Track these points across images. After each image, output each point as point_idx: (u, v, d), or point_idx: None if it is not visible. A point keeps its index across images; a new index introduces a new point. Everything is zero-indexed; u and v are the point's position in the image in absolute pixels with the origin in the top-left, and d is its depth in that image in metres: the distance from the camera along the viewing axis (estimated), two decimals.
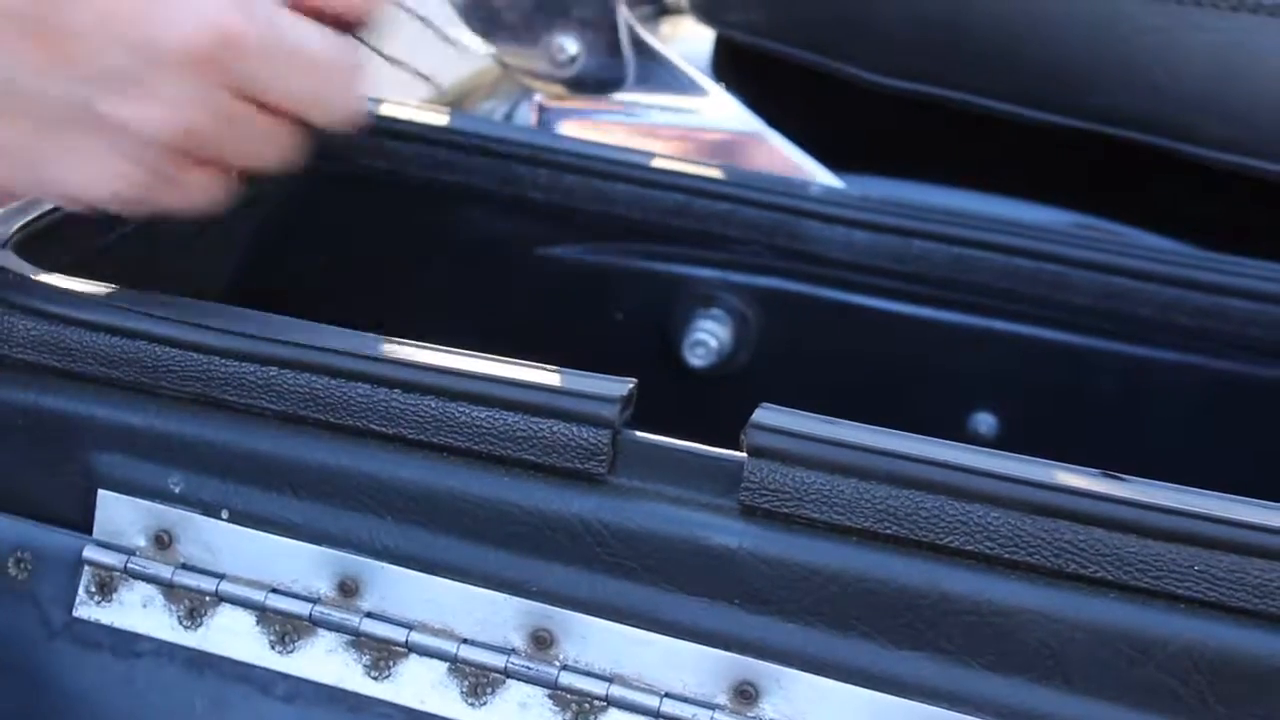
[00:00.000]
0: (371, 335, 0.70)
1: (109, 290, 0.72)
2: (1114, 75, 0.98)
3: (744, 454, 0.65)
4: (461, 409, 0.67)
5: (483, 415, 0.67)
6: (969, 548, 0.63)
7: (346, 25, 0.78)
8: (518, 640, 0.67)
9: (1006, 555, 0.62)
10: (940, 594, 0.63)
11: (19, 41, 0.68)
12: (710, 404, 0.98)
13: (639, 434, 0.67)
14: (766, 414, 0.65)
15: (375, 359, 0.68)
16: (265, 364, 0.69)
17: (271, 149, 0.75)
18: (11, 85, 0.70)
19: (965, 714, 0.63)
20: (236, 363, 0.69)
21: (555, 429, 0.66)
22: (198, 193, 0.75)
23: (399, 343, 0.70)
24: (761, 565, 0.65)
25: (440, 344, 0.70)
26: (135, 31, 0.69)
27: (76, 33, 0.68)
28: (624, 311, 0.99)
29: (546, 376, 0.67)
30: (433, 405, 0.67)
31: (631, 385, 0.67)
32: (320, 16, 0.75)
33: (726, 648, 0.65)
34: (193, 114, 0.71)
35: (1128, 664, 0.62)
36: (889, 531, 0.63)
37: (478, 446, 0.67)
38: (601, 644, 0.66)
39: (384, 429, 0.68)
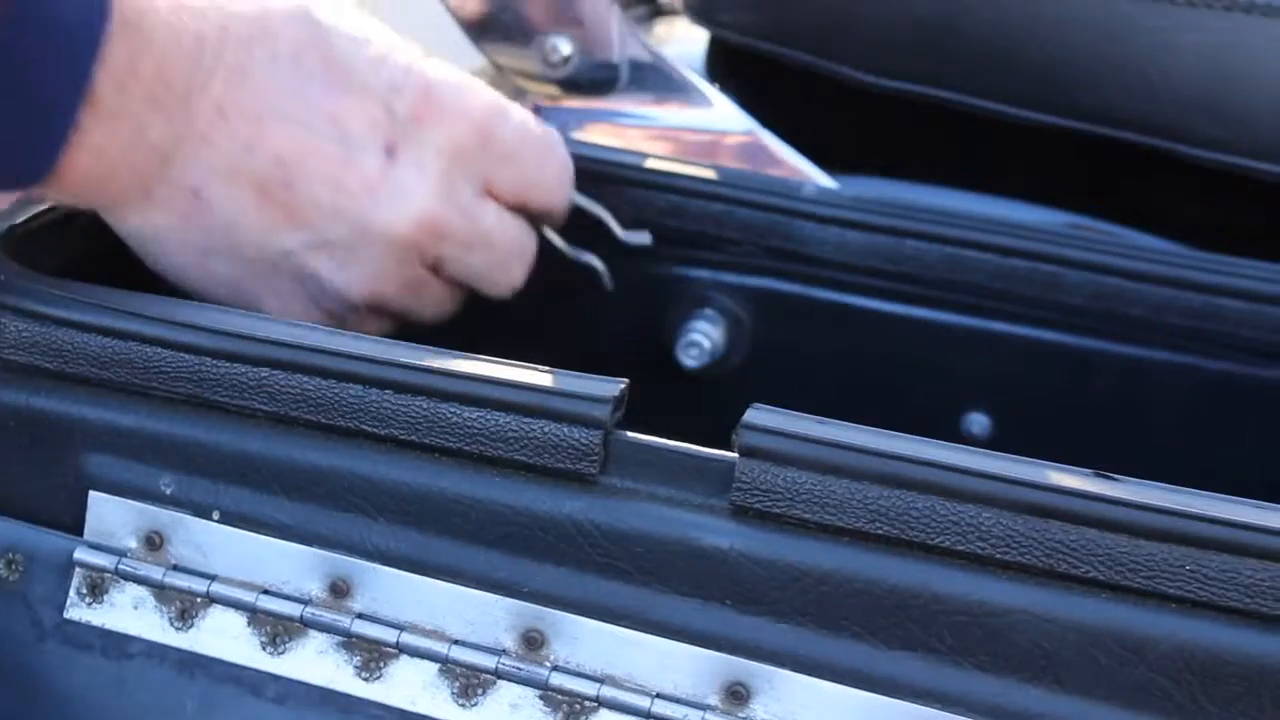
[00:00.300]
0: (362, 336, 0.70)
1: (100, 292, 0.72)
2: (1108, 76, 0.98)
3: (735, 454, 0.65)
4: (453, 410, 0.67)
5: (474, 416, 0.67)
6: (960, 548, 0.63)
7: (536, 218, 0.91)
8: (509, 641, 0.67)
9: (998, 555, 0.62)
10: (932, 594, 0.63)
11: (256, 199, 0.79)
12: (704, 404, 0.98)
13: (630, 434, 0.67)
14: (758, 414, 0.65)
15: (366, 360, 0.68)
16: (257, 365, 0.69)
17: (438, 308, 0.88)
18: (241, 233, 0.80)
19: (957, 714, 0.63)
20: (228, 364, 0.69)
21: (547, 429, 0.66)
22: (366, 331, 0.86)
23: (390, 344, 0.70)
24: (753, 566, 0.65)
25: (432, 345, 0.70)
26: (358, 211, 0.81)
27: (308, 203, 0.80)
28: (618, 312, 0.99)
29: (538, 377, 0.67)
30: (424, 406, 0.67)
31: (623, 386, 0.67)
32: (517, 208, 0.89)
33: (718, 648, 0.65)
34: (385, 283, 0.83)
35: (1120, 664, 0.62)
36: (880, 532, 0.63)
37: (469, 447, 0.67)
38: (593, 645, 0.66)
39: (375, 430, 0.68)
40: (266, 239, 0.80)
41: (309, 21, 0.80)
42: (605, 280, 0.96)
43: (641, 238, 0.95)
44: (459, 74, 0.85)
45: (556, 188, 0.91)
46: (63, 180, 0.74)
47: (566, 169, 0.91)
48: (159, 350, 0.70)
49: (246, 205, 0.79)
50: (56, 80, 0.70)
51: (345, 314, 0.85)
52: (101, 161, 0.74)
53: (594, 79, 1.02)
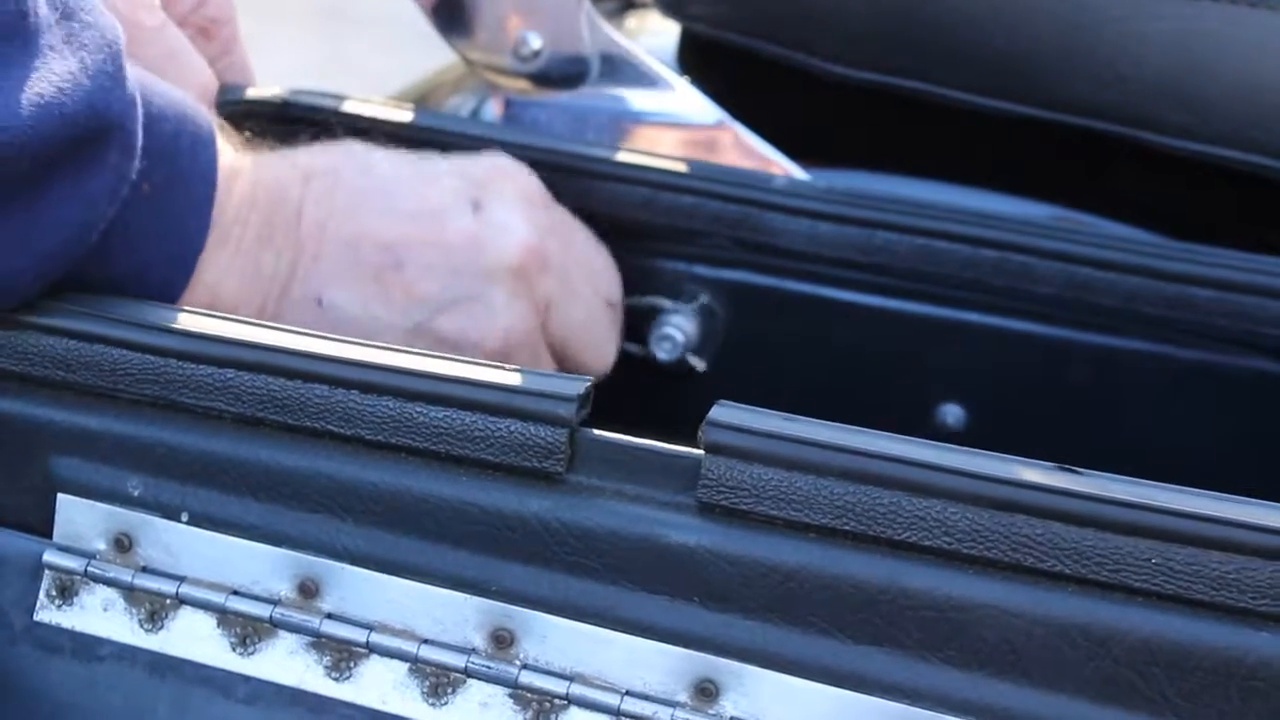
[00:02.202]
0: (328, 336, 0.70)
1: (65, 295, 0.72)
2: (1076, 65, 0.98)
3: (701, 451, 0.65)
4: (419, 409, 0.67)
5: (440, 415, 0.67)
6: (927, 543, 0.63)
7: None
8: (478, 640, 0.67)
9: (964, 550, 0.62)
10: (899, 589, 0.63)
11: (375, 287, 0.84)
12: (678, 397, 0.98)
13: (596, 432, 0.67)
14: (723, 411, 0.65)
15: (332, 360, 0.68)
16: (222, 366, 0.69)
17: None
18: (371, 323, 0.84)
19: (924, 709, 0.63)
20: (194, 365, 0.69)
21: (512, 428, 0.66)
22: None
23: (356, 344, 0.69)
24: (720, 562, 0.65)
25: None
26: (469, 261, 0.86)
27: (422, 273, 0.85)
28: None
29: (503, 376, 0.67)
30: (390, 406, 0.67)
31: (588, 384, 0.67)
32: None
33: (686, 645, 0.65)
34: (514, 320, 0.87)
35: (1086, 658, 0.62)
36: (846, 527, 0.63)
37: (436, 447, 0.67)
38: (562, 643, 0.66)
39: (342, 430, 0.68)
40: (395, 320, 0.85)
41: (366, 148, 0.89)
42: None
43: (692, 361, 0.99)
44: (506, 157, 0.93)
45: (611, 275, 0.96)
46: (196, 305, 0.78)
47: (614, 265, 0.96)
48: (125, 353, 0.70)
49: (367, 296, 0.84)
50: (187, 222, 0.77)
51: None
52: (220, 290, 0.80)
53: (564, 73, 1.02)
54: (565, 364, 0.92)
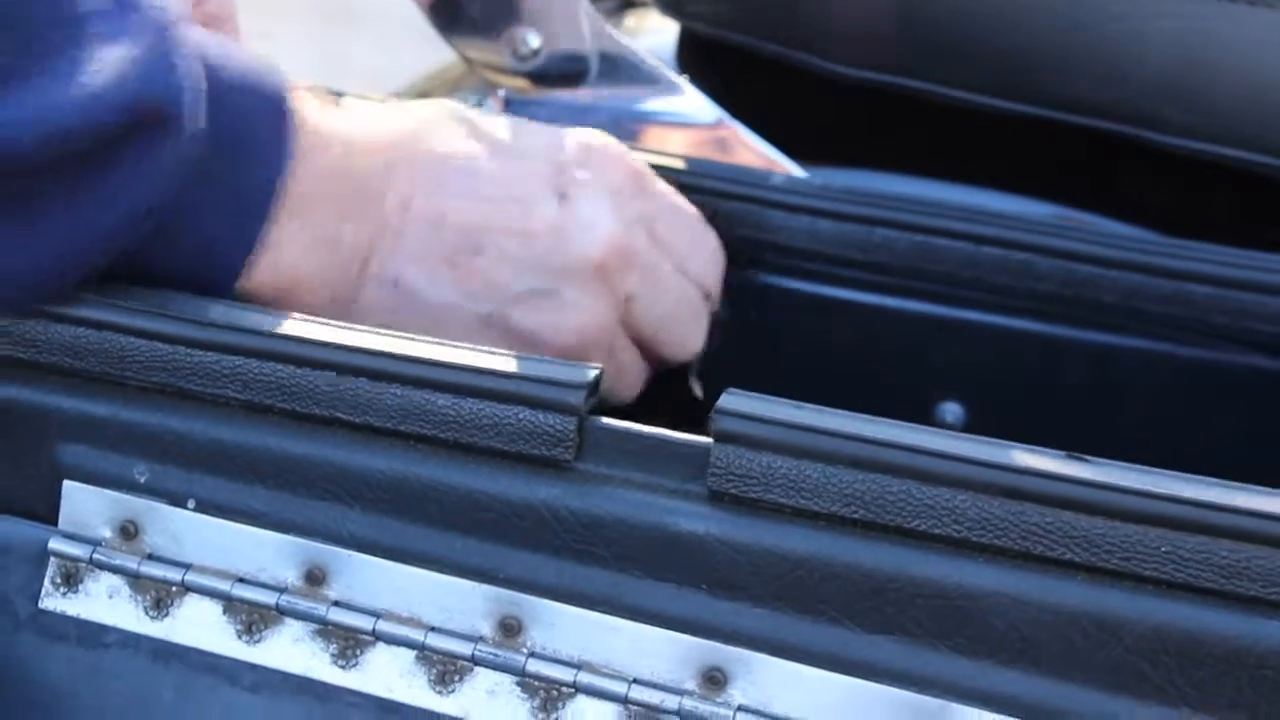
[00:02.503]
0: (336, 324, 0.70)
1: None
2: (1077, 64, 0.98)
3: (710, 439, 0.65)
4: (427, 397, 0.67)
5: (448, 403, 0.67)
6: (936, 531, 0.63)
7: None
8: (485, 628, 0.67)
9: (974, 539, 0.62)
10: (908, 578, 0.63)
11: (451, 272, 0.83)
12: (677, 394, 0.98)
13: (605, 420, 0.67)
14: (732, 399, 0.65)
15: (341, 348, 0.68)
16: (230, 353, 0.69)
17: (628, 381, 0.91)
18: (447, 311, 0.83)
19: (934, 697, 0.63)
20: (202, 352, 0.69)
21: (521, 416, 0.66)
22: None
23: (364, 331, 0.69)
24: (729, 550, 0.65)
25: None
26: (550, 253, 0.85)
27: (501, 261, 0.84)
28: None
29: (512, 363, 0.67)
30: (398, 393, 0.67)
31: (597, 371, 0.67)
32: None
33: (694, 633, 0.65)
34: (590, 319, 0.86)
35: (1096, 646, 0.62)
36: (856, 516, 0.63)
37: (444, 434, 0.67)
38: (569, 631, 0.66)
39: (350, 418, 0.68)
40: (468, 307, 0.84)
41: (457, 116, 0.87)
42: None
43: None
44: (602, 134, 0.91)
45: (711, 259, 0.94)
46: (263, 282, 0.77)
47: (719, 247, 0.95)
48: (132, 339, 0.70)
49: (443, 281, 0.83)
50: (255, 196, 0.76)
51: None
52: (297, 269, 0.78)
53: (563, 71, 1.02)
54: (647, 353, 0.91)
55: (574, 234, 0.85)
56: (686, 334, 0.92)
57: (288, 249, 0.77)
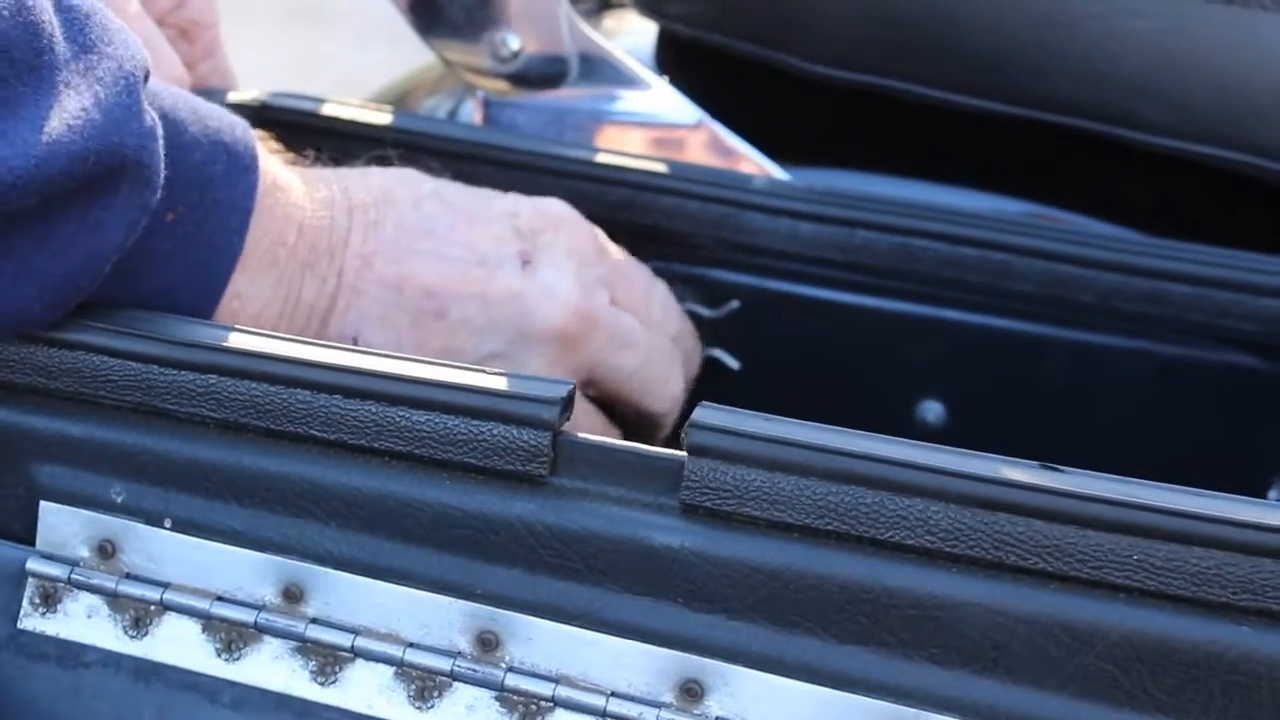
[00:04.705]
0: (310, 341, 0.70)
1: None
2: (1053, 62, 0.98)
3: (684, 453, 0.65)
4: (402, 413, 0.67)
5: (423, 419, 0.67)
6: (910, 542, 0.63)
7: None
8: (463, 643, 0.67)
9: (947, 549, 0.63)
10: (882, 589, 0.64)
11: (412, 333, 0.83)
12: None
13: (579, 435, 0.67)
14: (705, 413, 0.65)
15: (315, 365, 0.68)
16: (205, 372, 0.69)
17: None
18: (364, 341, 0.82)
19: (909, 707, 0.63)
20: (176, 371, 0.69)
21: (496, 432, 0.66)
22: None
23: (338, 348, 0.70)
24: (704, 564, 0.65)
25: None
26: (512, 318, 0.85)
27: (462, 324, 0.84)
28: None
29: (486, 379, 0.67)
30: (373, 410, 0.68)
31: (571, 387, 0.67)
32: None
33: (671, 646, 0.65)
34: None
35: (1069, 654, 0.62)
36: (830, 527, 0.64)
37: (419, 451, 0.67)
38: (547, 645, 0.66)
39: (325, 435, 0.68)
40: None
41: (418, 178, 0.88)
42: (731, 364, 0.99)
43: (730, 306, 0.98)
44: (560, 202, 0.91)
45: (668, 305, 0.95)
46: None
47: (670, 294, 0.95)
48: (107, 359, 0.70)
49: (403, 342, 0.83)
50: (216, 248, 0.76)
51: None
52: (260, 321, 0.79)
53: (543, 73, 1.02)
54: (624, 410, 0.91)
55: (536, 302, 0.85)
56: (666, 382, 0.92)
57: (250, 301, 0.78)
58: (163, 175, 0.71)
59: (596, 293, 0.88)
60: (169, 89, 0.75)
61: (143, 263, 0.73)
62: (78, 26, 0.69)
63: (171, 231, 0.74)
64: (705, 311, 0.97)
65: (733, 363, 0.98)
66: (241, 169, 0.77)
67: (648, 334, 0.91)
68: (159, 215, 0.72)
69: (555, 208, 0.90)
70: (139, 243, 0.71)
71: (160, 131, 0.71)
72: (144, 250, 0.72)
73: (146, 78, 0.71)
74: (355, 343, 0.82)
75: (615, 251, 0.92)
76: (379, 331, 0.83)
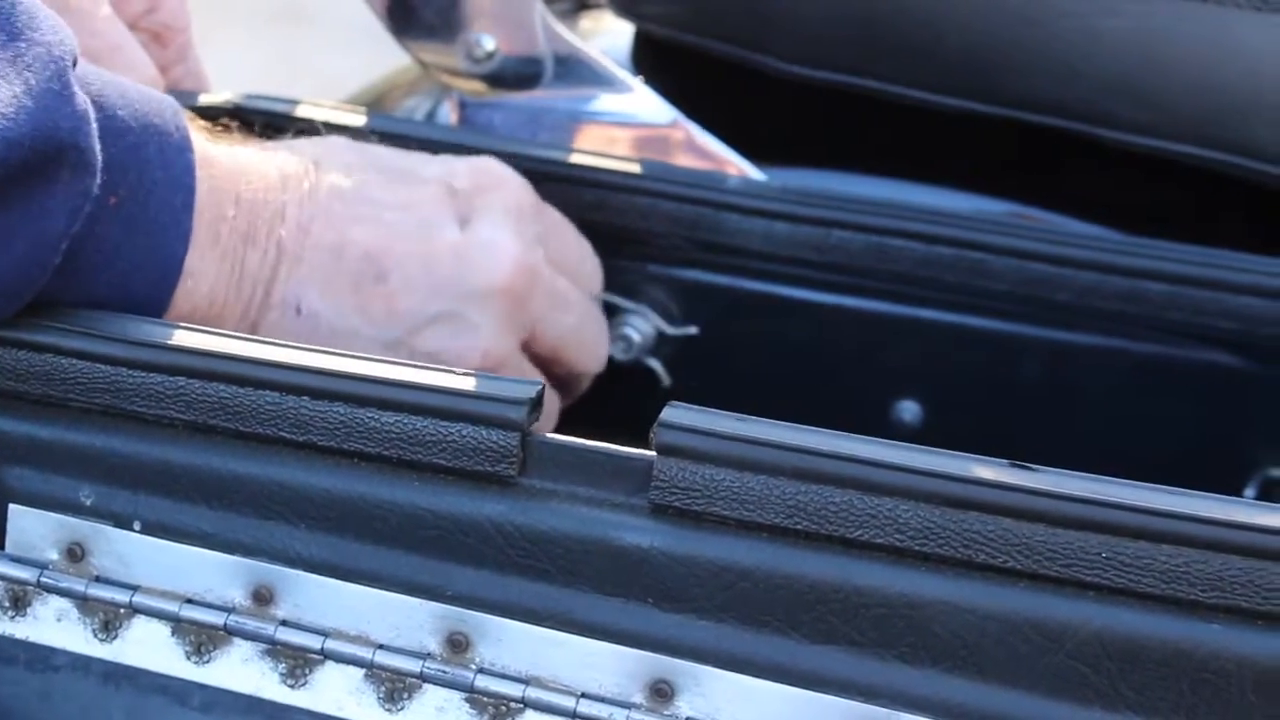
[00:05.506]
0: (278, 342, 0.70)
1: None
2: (1030, 62, 0.98)
3: (653, 453, 0.65)
4: (370, 414, 0.67)
5: (391, 420, 0.67)
6: (879, 541, 0.63)
7: None
8: (433, 644, 0.67)
9: (916, 548, 0.63)
10: (852, 588, 0.63)
11: (354, 299, 0.83)
12: (636, 397, 0.98)
13: (548, 435, 0.67)
14: (674, 412, 0.65)
15: (283, 366, 0.68)
16: (173, 374, 0.69)
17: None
18: (350, 338, 0.82)
19: (880, 706, 0.63)
20: (144, 374, 0.69)
21: (464, 432, 0.66)
22: None
23: (306, 350, 0.69)
24: (673, 564, 0.65)
25: None
26: (454, 278, 0.84)
27: (404, 287, 0.83)
28: None
29: (454, 380, 0.67)
30: (341, 411, 0.67)
31: (540, 387, 0.67)
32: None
33: (641, 647, 0.65)
34: (494, 342, 0.85)
35: (1039, 652, 0.62)
36: (799, 527, 0.64)
37: (388, 452, 0.67)
38: (517, 646, 0.66)
39: (294, 436, 0.68)
40: (373, 334, 0.84)
41: (347, 145, 0.88)
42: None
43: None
44: (493, 160, 0.91)
45: (596, 268, 0.95)
46: (181, 314, 0.78)
47: (596, 259, 0.95)
48: (75, 362, 0.70)
49: (346, 308, 0.83)
50: (165, 228, 0.76)
51: None
52: (213, 297, 0.79)
53: (518, 74, 1.02)
54: (557, 369, 0.91)
55: (478, 258, 0.85)
56: (593, 345, 0.93)
57: (202, 279, 0.78)
58: (100, 158, 0.71)
59: (535, 249, 0.87)
60: (97, 72, 0.74)
61: (96, 253, 0.73)
62: (4, 14, 0.68)
63: (117, 216, 0.73)
64: (667, 329, 0.97)
65: (665, 378, 0.98)
66: (176, 148, 0.76)
67: (580, 294, 0.91)
68: (102, 200, 0.72)
69: (490, 165, 0.90)
70: (88, 231, 0.71)
71: (93, 115, 0.71)
72: (94, 238, 0.72)
73: (75, 63, 0.71)
74: (299, 311, 0.82)
75: (548, 210, 0.92)
76: (321, 298, 0.82)
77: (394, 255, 0.83)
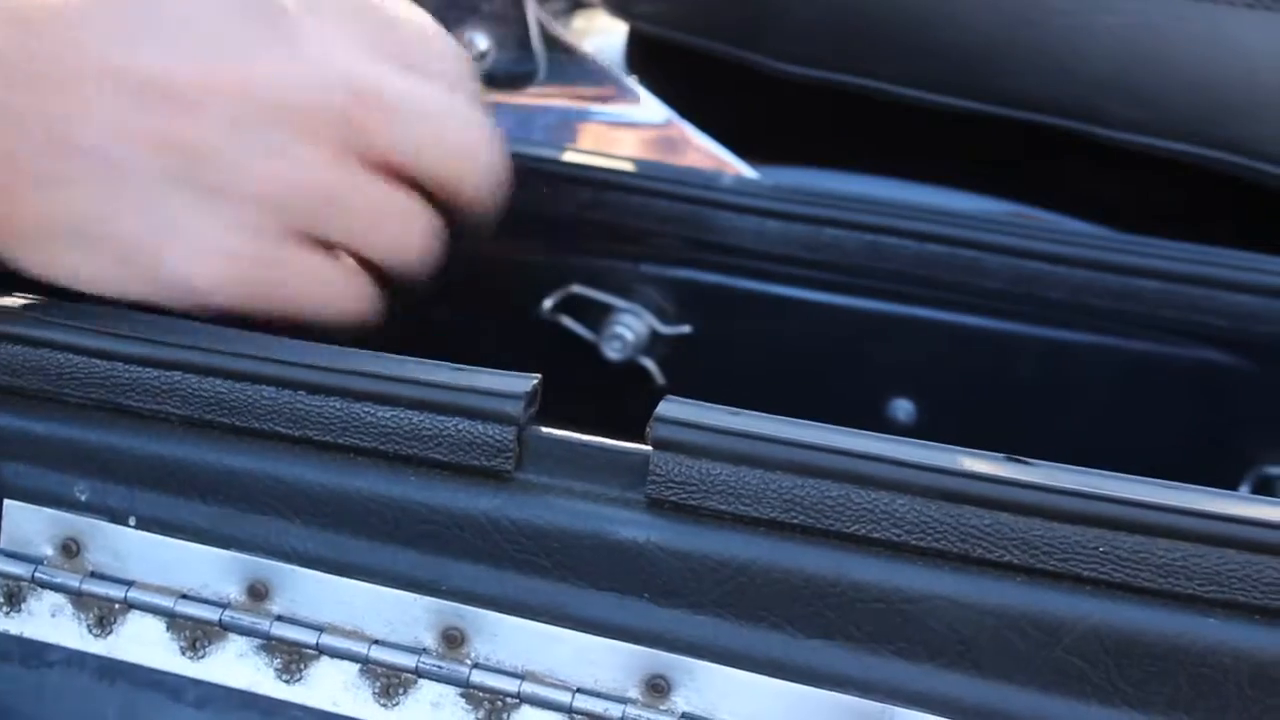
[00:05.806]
0: (275, 338, 0.70)
1: (7, 298, 0.72)
2: (1023, 58, 0.98)
3: (649, 447, 0.65)
4: (366, 409, 0.67)
5: (388, 415, 0.67)
6: (875, 535, 0.63)
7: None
8: (429, 640, 0.66)
9: (913, 542, 0.63)
10: (848, 582, 0.63)
11: (113, 98, 0.69)
12: (630, 397, 0.98)
13: (544, 430, 0.67)
14: (670, 406, 0.65)
15: (279, 361, 0.68)
16: (169, 369, 0.69)
17: (403, 233, 0.75)
18: (140, 170, 0.70)
19: (876, 701, 0.63)
20: (140, 368, 0.69)
21: (460, 427, 0.66)
22: (325, 288, 0.76)
23: (303, 345, 0.69)
24: (670, 558, 0.65)
25: (350, 344, 0.70)
26: (278, 111, 0.70)
27: (178, 92, 0.69)
28: (539, 307, 0.99)
29: (451, 375, 0.67)
30: (338, 406, 0.67)
31: (535, 381, 0.67)
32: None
33: (637, 641, 0.65)
34: (314, 175, 0.72)
35: (1036, 647, 0.62)
36: (795, 521, 0.63)
37: (384, 446, 0.67)
38: (512, 641, 0.66)
39: (290, 431, 0.68)
40: (159, 165, 0.71)
41: None
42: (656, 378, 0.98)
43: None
44: None
45: (444, 50, 0.80)
46: None
47: (458, 48, 0.81)
48: (70, 356, 0.70)
49: (135, 144, 0.71)
50: None
51: (276, 245, 0.74)
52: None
53: (511, 73, 1.02)
54: (436, 186, 0.77)
55: (303, 81, 0.71)
56: (478, 151, 0.78)
57: None
58: None
59: (373, 62, 0.74)
60: None
61: None
62: None
63: None
64: (661, 328, 0.97)
65: (659, 377, 0.98)
66: None
67: (441, 94, 0.76)
68: None
69: None
70: None
71: None
72: None
73: None
74: (91, 154, 0.70)
75: (386, 6, 0.77)
76: (103, 135, 0.69)
77: (205, 87, 0.70)
